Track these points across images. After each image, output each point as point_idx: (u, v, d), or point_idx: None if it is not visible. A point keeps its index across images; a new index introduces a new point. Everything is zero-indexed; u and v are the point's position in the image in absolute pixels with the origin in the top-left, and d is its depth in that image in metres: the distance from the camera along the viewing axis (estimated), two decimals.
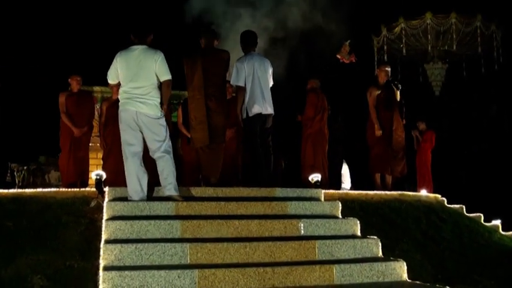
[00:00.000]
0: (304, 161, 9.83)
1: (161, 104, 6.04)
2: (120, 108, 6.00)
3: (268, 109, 7.30)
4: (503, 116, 19.24)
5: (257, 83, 7.23)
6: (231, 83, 7.44)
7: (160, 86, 6.08)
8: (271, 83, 7.47)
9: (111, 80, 6.23)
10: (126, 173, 5.91)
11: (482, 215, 9.21)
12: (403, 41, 16.99)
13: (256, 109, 7.19)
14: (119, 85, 6.17)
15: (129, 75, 5.98)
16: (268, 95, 7.33)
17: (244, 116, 7.25)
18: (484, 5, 16.90)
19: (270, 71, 7.46)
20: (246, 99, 7.22)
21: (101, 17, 16.72)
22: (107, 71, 6.22)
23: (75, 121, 8.90)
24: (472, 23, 16.62)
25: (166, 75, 6.05)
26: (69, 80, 9.15)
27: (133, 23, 6.31)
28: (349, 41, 10.51)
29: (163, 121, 6.05)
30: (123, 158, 5.97)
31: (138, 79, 5.95)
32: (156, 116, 5.96)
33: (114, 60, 6.10)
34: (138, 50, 6.05)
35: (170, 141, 6.13)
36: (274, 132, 7.61)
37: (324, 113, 9.70)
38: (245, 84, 7.22)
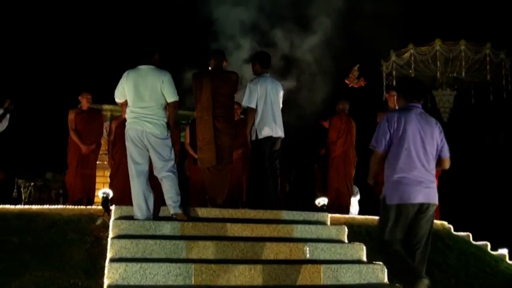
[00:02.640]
0: (328, 184, 9.82)
1: (168, 124, 6.06)
2: (127, 127, 6.03)
3: (279, 132, 7.25)
4: (510, 144, 19.17)
5: (269, 105, 7.17)
6: (243, 104, 7.39)
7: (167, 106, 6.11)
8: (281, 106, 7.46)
9: (118, 98, 6.30)
10: (132, 191, 5.92)
11: (488, 243, 9.12)
12: (412, 66, 17.03)
13: (266, 131, 7.13)
14: (127, 104, 6.21)
15: (136, 95, 6.01)
16: (279, 118, 7.30)
17: (254, 138, 7.19)
18: (494, 33, 16.97)
19: (281, 93, 7.44)
20: (257, 121, 7.15)
21: (112, 36, 16.87)
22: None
23: (83, 138, 8.95)
24: (481, 50, 16.63)
25: (173, 97, 6.08)
26: (79, 97, 9.21)
27: (138, 43, 6.37)
28: (357, 66, 10.52)
29: (169, 142, 6.08)
30: (130, 176, 5.99)
31: (145, 99, 5.98)
32: (163, 135, 5.99)
33: (122, 79, 6.13)
34: (145, 70, 6.09)
35: (174, 161, 6.15)
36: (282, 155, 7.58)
37: (348, 136, 9.65)
38: (256, 106, 7.19)
